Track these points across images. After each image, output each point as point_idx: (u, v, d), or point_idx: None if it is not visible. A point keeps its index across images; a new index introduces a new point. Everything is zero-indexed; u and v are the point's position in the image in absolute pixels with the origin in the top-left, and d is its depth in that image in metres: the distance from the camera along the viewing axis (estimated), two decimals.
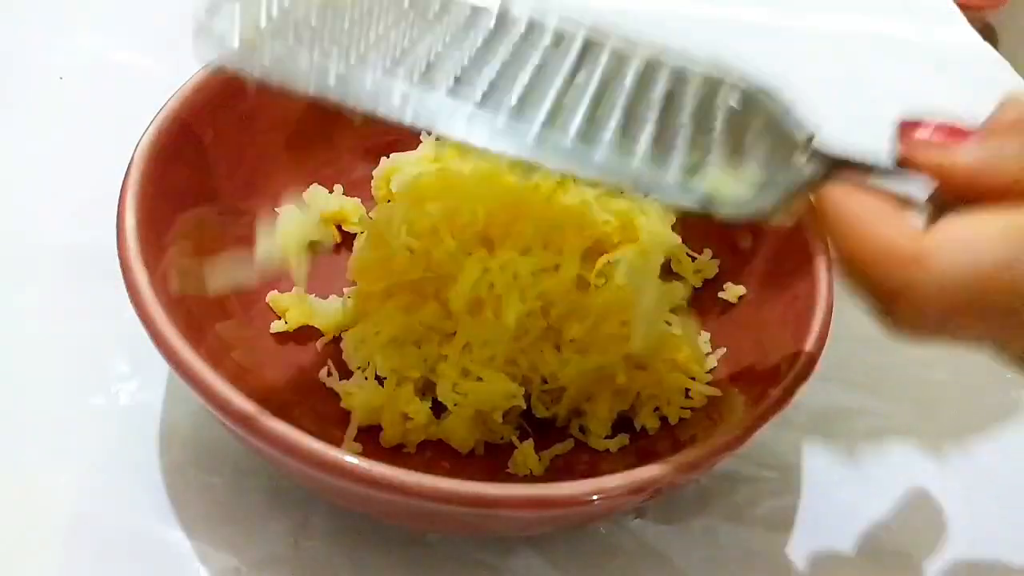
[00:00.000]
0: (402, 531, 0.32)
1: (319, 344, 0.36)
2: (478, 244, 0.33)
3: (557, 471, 0.33)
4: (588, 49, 0.25)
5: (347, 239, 0.39)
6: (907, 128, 0.23)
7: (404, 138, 0.39)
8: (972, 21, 0.64)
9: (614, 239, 0.34)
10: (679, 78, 0.25)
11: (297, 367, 0.35)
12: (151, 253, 0.29)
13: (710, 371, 0.35)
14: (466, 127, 0.23)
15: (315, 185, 0.39)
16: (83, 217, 0.37)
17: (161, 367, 0.35)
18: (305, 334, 0.36)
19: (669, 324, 0.36)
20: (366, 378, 0.34)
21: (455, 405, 0.33)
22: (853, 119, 0.55)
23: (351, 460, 0.25)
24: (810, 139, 0.24)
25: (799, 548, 0.34)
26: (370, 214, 0.39)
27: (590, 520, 0.32)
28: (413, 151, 0.37)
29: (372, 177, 0.39)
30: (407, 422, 0.33)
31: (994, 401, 0.40)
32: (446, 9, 0.25)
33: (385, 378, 0.34)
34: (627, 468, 0.26)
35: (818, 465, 0.36)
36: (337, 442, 0.31)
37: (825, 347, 0.30)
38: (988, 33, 1.08)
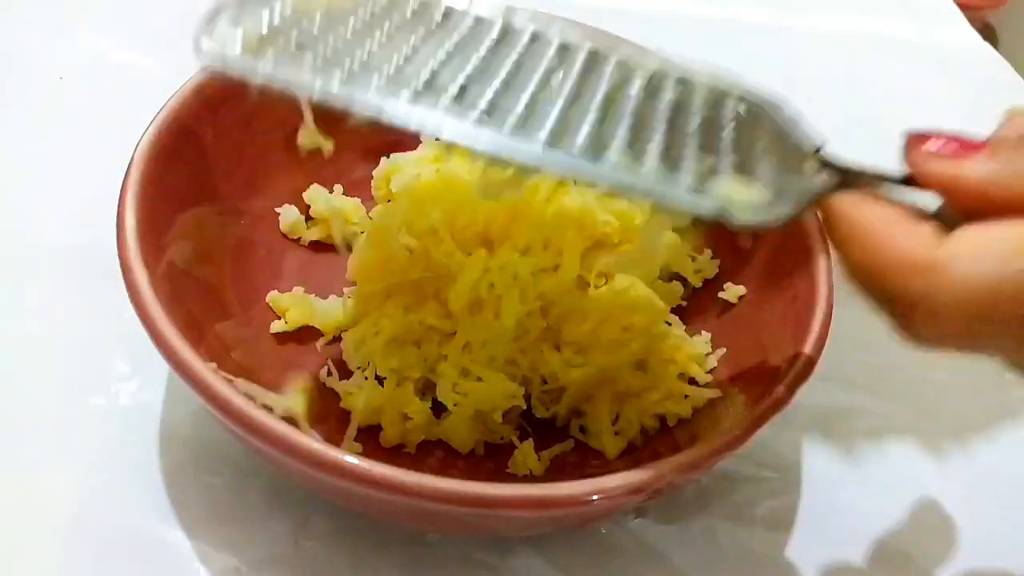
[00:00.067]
0: (402, 531, 0.32)
1: (319, 344, 0.36)
2: (478, 244, 0.33)
3: (557, 471, 0.33)
4: (593, 60, 0.25)
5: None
6: (915, 141, 0.23)
7: (404, 138, 0.39)
8: (972, 21, 0.64)
9: (614, 239, 0.34)
10: (685, 89, 0.25)
11: (297, 367, 0.35)
12: (151, 253, 0.29)
13: (710, 371, 0.35)
14: (473, 134, 0.23)
15: (315, 185, 0.39)
16: (83, 217, 0.37)
17: (161, 367, 0.34)
18: (305, 334, 0.36)
19: (669, 324, 0.36)
20: (366, 378, 0.34)
21: (455, 405, 0.33)
22: (853, 119, 0.55)
23: (351, 460, 0.25)
24: (818, 150, 0.24)
25: (799, 548, 0.34)
26: (370, 214, 0.39)
27: (590, 520, 0.32)
28: (413, 151, 0.37)
29: (372, 177, 0.39)
30: (407, 422, 0.33)
31: (994, 401, 0.40)
32: (450, 20, 0.25)
33: (385, 378, 0.34)
34: (627, 468, 0.26)
35: (818, 465, 0.36)
36: (337, 442, 0.32)
37: (825, 347, 0.30)
38: (988, 33, 1.08)
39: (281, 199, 0.39)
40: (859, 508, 0.35)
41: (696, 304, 0.38)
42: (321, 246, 0.39)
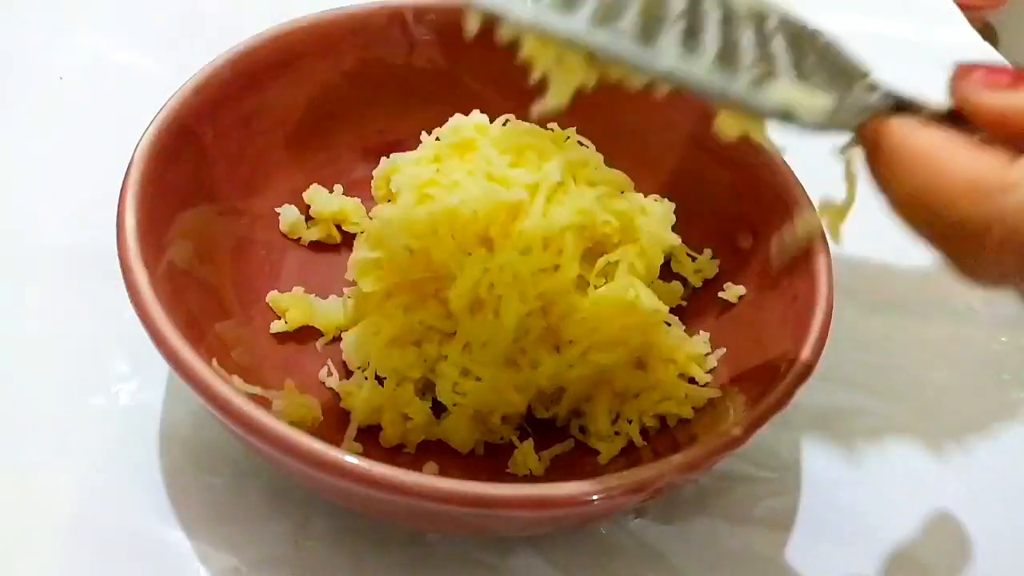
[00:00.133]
0: (402, 531, 0.32)
1: (319, 344, 0.36)
2: (478, 244, 0.33)
3: (557, 471, 0.33)
4: None
5: (347, 239, 0.39)
6: (965, 72, 0.21)
7: (404, 138, 0.39)
8: (972, 21, 0.64)
9: (614, 239, 0.34)
10: (728, 7, 0.23)
11: (297, 367, 0.35)
12: (151, 253, 0.29)
13: (710, 371, 0.35)
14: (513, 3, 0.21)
15: (315, 185, 0.39)
16: (83, 217, 0.37)
17: (161, 367, 0.35)
18: (305, 334, 0.36)
19: (669, 324, 0.36)
20: (366, 378, 0.34)
21: (455, 405, 0.33)
22: None
23: (351, 460, 0.25)
24: (867, 74, 0.23)
25: (799, 548, 0.34)
26: (370, 214, 0.39)
27: (590, 520, 0.33)
28: (413, 152, 0.37)
29: (372, 177, 0.39)
30: (407, 422, 0.33)
31: (994, 401, 0.40)
32: None
33: (385, 378, 0.34)
34: (627, 468, 0.26)
35: (818, 465, 0.36)
36: (337, 442, 0.32)
37: (825, 347, 0.30)
38: (988, 33, 1.08)
39: (281, 199, 0.39)
40: (859, 508, 0.35)
41: (696, 304, 0.38)
42: (321, 246, 0.39)
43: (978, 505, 0.36)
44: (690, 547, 0.33)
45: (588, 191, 0.34)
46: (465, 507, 0.25)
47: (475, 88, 0.40)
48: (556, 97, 0.23)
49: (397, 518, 0.31)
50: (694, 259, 0.39)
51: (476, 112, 0.37)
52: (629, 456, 0.33)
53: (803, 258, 0.33)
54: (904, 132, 0.21)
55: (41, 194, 0.40)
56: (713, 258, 0.39)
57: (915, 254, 0.50)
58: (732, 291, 0.37)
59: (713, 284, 0.38)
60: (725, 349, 0.35)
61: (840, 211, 0.25)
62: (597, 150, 0.37)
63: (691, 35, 0.22)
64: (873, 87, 0.23)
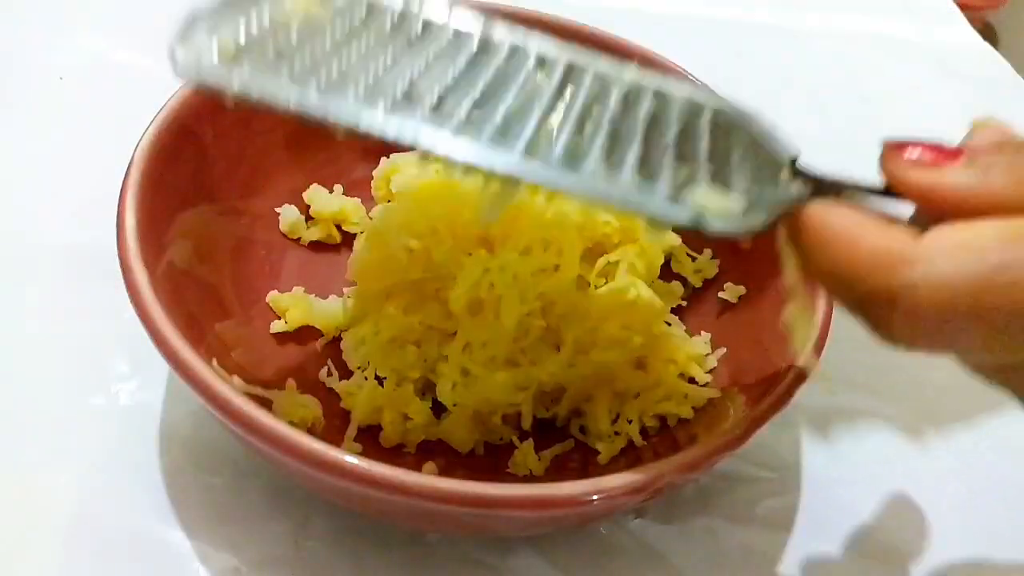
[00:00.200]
0: (402, 531, 0.32)
1: (319, 344, 0.36)
2: (478, 244, 0.33)
3: (557, 471, 0.33)
4: (570, 73, 0.25)
5: (347, 239, 0.39)
6: (893, 150, 0.23)
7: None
8: (972, 21, 0.64)
9: (614, 239, 0.34)
10: (661, 102, 0.25)
11: (297, 367, 0.35)
12: (151, 253, 0.29)
13: (710, 371, 0.35)
14: (450, 143, 0.23)
15: (315, 185, 0.39)
16: (83, 217, 0.37)
17: (161, 367, 0.35)
18: (305, 334, 0.36)
19: (669, 324, 0.36)
20: (366, 378, 0.34)
21: (454, 405, 0.33)
22: (853, 119, 0.55)
23: (350, 460, 0.25)
24: (794, 160, 0.24)
25: (799, 548, 0.34)
26: (370, 214, 0.39)
27: (590, 520, 0.33)
28: (413, 152, 0.37)
29: (372, 177, 0.39)
30: (407, 422, 0.33)
31: (994, 401, 0.40)
32: (429, 33, 0.25)
33: (385, 378, 0.34)
34: (627, 468, 0.26)
35: (818, 465, 0.36)
36: (337, 442, 0.32)
37: (825, 347, 0.30)
38: (988, 33, 1.08)
39: (281, 199, 0.39)
40: (859, 508, 0.35)
41: (696, 304, 0.38)
42: (321, 246, 0.39)
43: (978, 505, 0.36)
44: (690, 547, 0.33)
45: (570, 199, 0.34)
46: (464, 507, 0.25)
47: None
48: (490, 215, 0.27)
49: (397, 518, 0.31)
50: (694, 259, 0.39)
51: None
52: (629, 456, 0.33)
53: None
54: (820, 214, 0.22)
55: (41, 194, 0.40)
56: (713, 258, 0.39)
57: None
58: (732, 291, 0.37)
59: (713, 284, 0.38)
60: (725, 349, 0.35)
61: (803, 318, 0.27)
62: None
63: (615, 144, 0.24)
64: (797, 172, 0.24)
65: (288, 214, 0.38)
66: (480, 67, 0.25)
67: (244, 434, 0.25)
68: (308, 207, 0.39)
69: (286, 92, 0.23)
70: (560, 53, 0.25)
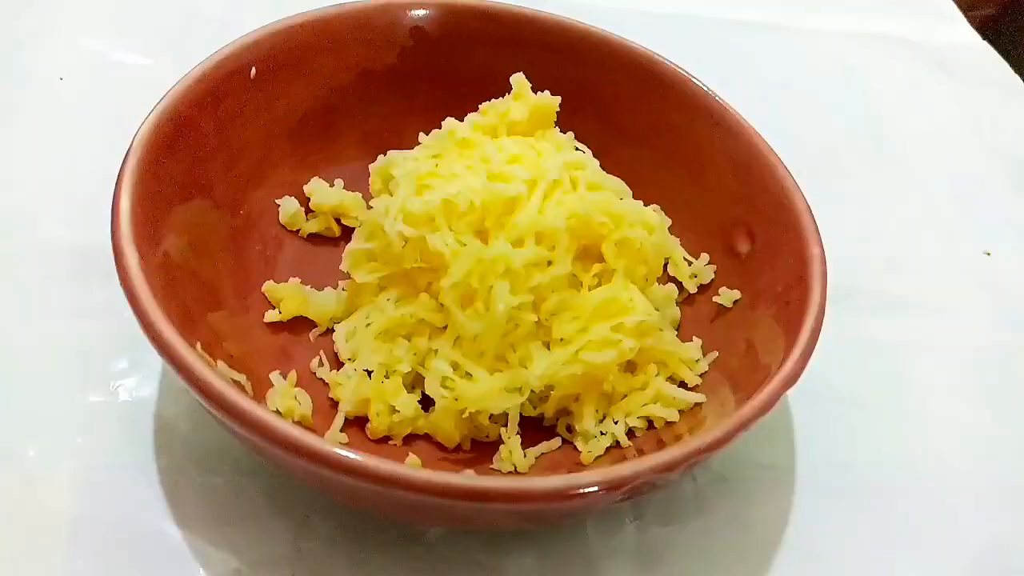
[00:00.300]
0: (402, 531, 0.32)
1: (312, 335, 0.36)
2: (473, 236, 0.33)
3: (543, 470, 0.33)
4: None
5: (346, 232, 0.39)
6: None
7: (407, 133, 0.39)
8: (972, 21, 0.64)
9: (610, 240, 0.34)
10: None
11: (289, 357, 0.35)
12: (145, 239, 0.29)
13: (702, 375, 0.35)
14: None
15: (316, 178, 0.39)
16: (83, 217, 0.37)
17: (160, 364, 0.35)
18: (299, 325, 0.36)
19: (661, 329, 0.36)
20: (355, 370, 0.34)
21: (443, 398, 0.33)
22: (853, 119, 0.55)
23: (311, 441, 0.25)
24: None
25: (798, 548, 0.34)
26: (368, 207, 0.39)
27: (570, 517, 0.32)
28: (411, 151, 0.37)
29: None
30: (394, 415, 0.33)
31: (994, 401, 0.40)
32: None
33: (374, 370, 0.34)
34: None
35: (818, 465, 0.36)
36: (324, 432, 0.32)
37: (815, 351, 0.30)
38: (988, 33, 1.08)
39: (281, 191, 0.39)
40: (859, 508, 0.35)
41: (691, 308, 0.38)
42: (320, 239, 0.39)
43: (979, 506, 0.36)
44: (690, 547, 0.33)
45: (586, 193, 0.34)
46: (436, 497, 0.25)
47: (476, 86, 0.40)
48: None
49: (360, 502, 0.31)
50: (690, 263, 0.38)
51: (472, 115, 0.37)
52: (615, 456, 0.33)
53: (798, 263, 0.33)
54: None
55: (41, 194, 0.40)
56: (709, 263, 0.38)
57: (914, 254, 0.50)
58: (727, 296, 0.37)
59: (708, 288, 0.38)
60: (717, 353, 0.35)
61: None
62: (595, 152, 0.37)
63: None
64: None
65: (288, 205, 0.38)
66: None
67: (221, 415, 0.25)
68: (308, 199, 0.39)
69: None
70: None
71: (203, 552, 0.30)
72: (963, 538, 0.35)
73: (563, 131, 0.37)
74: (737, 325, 0.36)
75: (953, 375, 0.41)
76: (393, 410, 0.33)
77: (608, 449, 0.33)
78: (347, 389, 0.33)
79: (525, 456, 0.33)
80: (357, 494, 0.28)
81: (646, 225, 0.35)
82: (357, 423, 0.33)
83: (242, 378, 0.31)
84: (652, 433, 0.34)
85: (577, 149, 0.37)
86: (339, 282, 0.37)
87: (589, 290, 0.34)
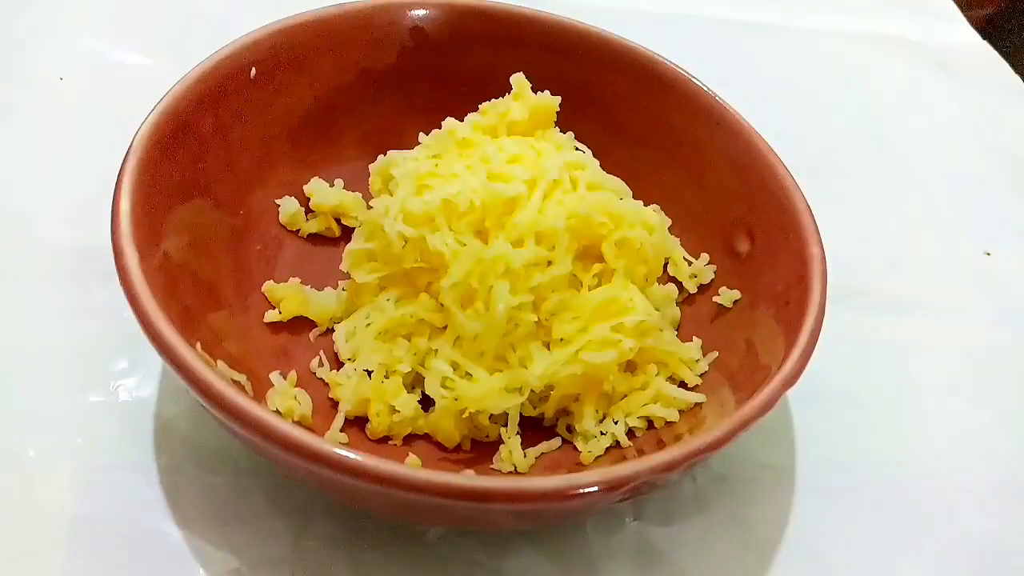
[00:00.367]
0: (402, 531, 0.32)
1: (312, 335, 0.36)
2: (473, 235, 0.33)
3: (543, 470, 0.33)
4: None
5: (346, 233, 0.39)
6: None
7: (408, 133, 0.39)
8: (972, 21, 0.64)
9: (610, 240, 0.34)
10: None
11: (289, 357, 0.35)
12: (145, 239, 0.29)
13: (702, 375, 0.35)
14: None
15: (316, 178, 0.39)
16: (83, 217, 0.37)
17: (161, 368, 0.35)
18: (299, 325, 0.36)
19: (661, 329, 0.36)
20: (355, 369, 0.34)
21: (443, 398, 0.32)
22: (853, 119, 0.55)
23: (310, 441, 0.24)
24: None
25: (798, 548, 0.34)
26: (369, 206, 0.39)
27: (570, 518, 0.32)
28: (411, 150, 0.37)
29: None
30: (394, 415, 0.33)
31: (994, 401, 0.40)
32: None
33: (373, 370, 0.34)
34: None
35: (818, 465, 0.36)
36: (324, 432, 0.32)
37: (815, 351, 0.30)
38: (988, 33, 1.08)
39: (282, 191, 0.39)
40: (859, 508, 0.35)
41: (691, 308, 0.38)
42: (320, 239, 0.39)
43: (980, 506, 0.36)
44: (690, 547, 0.33)
45: (586, 193, 0.34)
46: (434, 497, 0.25)
47: (476, 86, 0.40)
48: None
49: (362, 503, 0.31)
50: (690, 263, 0.38)
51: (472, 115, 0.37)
52: (615, 456, 0.33)
53: (798, 263, 0.33)
54: None
55: (41, 194, 0.40)
56: (709, 263, 0.38)
57: (914, 254, 0.50)
58: (727, 296, 0.37)
59: (709, 288, 0.38)
60: (717, 353, 0.35)
61: None
62: (595, 152, 0.37)
63: None
64: None
65: (288, 205, 0.38)
66: None
67: (221, 416, 0.25)
68: (308, 199, 0.39)
69: None
70: None
71: (203, 552, 0.30)
72: (963, 538, 0.35)
73: (563, 131, 0.37)
74: (737, 325, 0.36)
75: (953, 375, 0.41)
76: (393, 410, 0.33)
77: (608, 449, 0.33)
78: (347, 389, 0.33)
79: (525, 456, 0.33)
80: (357, 494, 0.28)
81: (646, 225, 0.35)
82: (357, 423, 0.33)
83: (242, 378, 0.31)
84: (652, 433, 0.34)
85: (577, 149, 0.37)
86: (339, 282, 0.37)
87: (589, 290, 0.34)
